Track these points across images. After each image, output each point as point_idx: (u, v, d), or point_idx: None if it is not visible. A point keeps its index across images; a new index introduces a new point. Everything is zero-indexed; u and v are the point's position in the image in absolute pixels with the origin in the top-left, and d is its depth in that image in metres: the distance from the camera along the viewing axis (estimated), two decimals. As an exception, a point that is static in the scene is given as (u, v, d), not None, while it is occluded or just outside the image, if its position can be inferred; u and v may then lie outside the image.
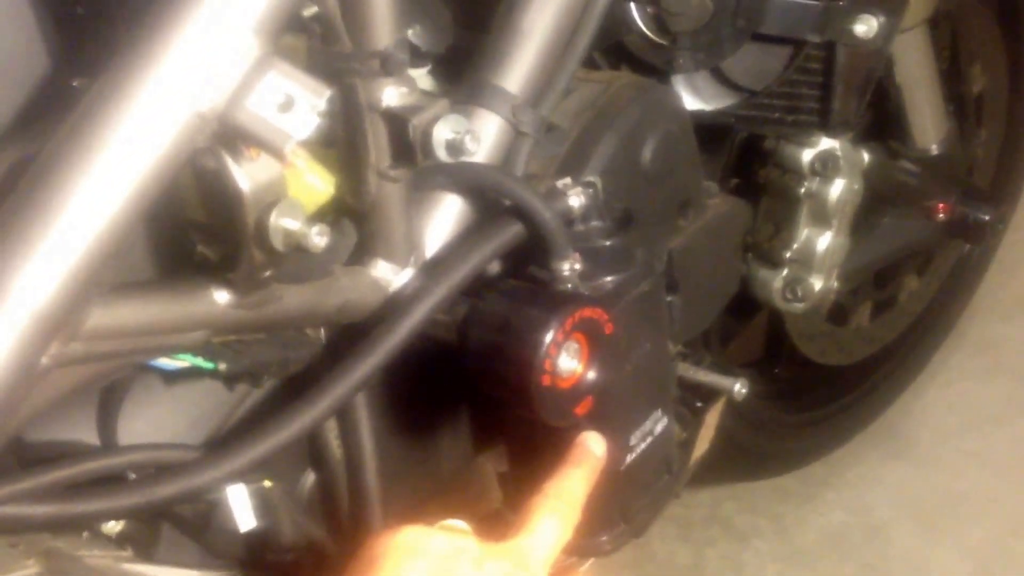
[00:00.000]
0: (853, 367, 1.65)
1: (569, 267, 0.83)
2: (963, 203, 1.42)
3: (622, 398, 0.85)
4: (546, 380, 0.76)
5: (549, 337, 0.76)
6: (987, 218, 1.43)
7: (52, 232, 0.63)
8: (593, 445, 0.81)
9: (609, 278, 0.85)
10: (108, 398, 0.78)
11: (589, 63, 1.04)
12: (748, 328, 1.52)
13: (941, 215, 1.42)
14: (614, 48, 1.13)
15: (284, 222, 0.71)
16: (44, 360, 0.65)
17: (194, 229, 0.74)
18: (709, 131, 1.15)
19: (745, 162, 1.34)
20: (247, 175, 0.69)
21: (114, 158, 0.65)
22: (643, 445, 0.88)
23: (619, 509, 0.90)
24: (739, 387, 1.09)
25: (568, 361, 0.78)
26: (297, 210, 0.72)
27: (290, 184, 0.74)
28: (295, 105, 0.67)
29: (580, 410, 0.80)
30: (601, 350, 0.80)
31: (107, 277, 0.67)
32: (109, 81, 0.66)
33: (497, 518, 0.95)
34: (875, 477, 1.69)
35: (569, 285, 0.83)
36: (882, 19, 1.08)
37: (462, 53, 0.96)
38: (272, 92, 0.66)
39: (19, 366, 0.63)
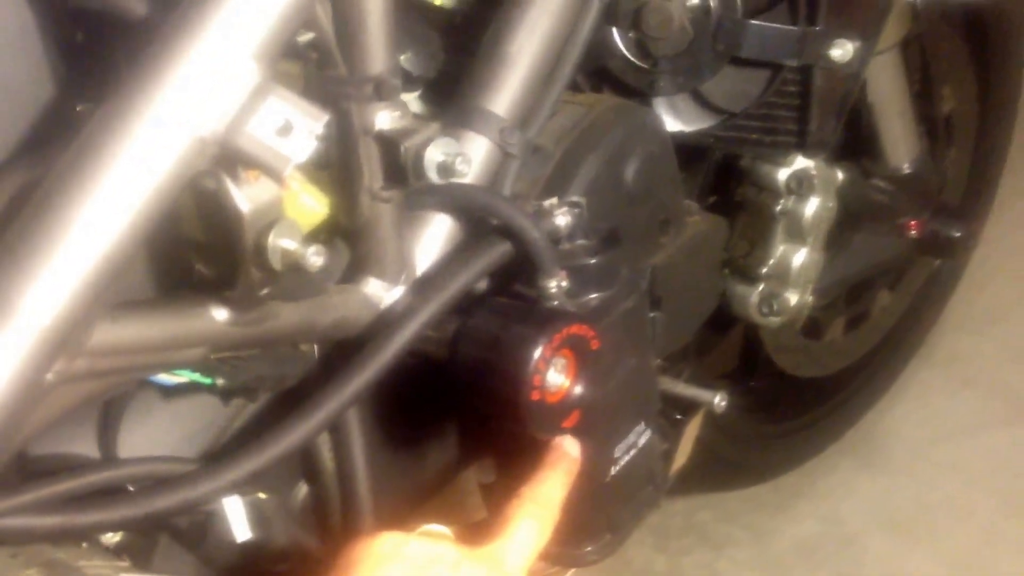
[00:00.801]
0: (827, 379, 1.68)
1: (556, 285, 0.84)
2: (934, 221, 1.46)
3: (607, 411, 0.87)
4: (535, 395, 0.78)
5: (538, 353, 0.78)
6: (957, 235, 1.46)
7: (58, 252, 0.64)
8: (569, 448, 0.82)
9: (595, 295, 0.87)
10: (109, 412, 0.80)
11: (573, 86, 1.05)
12: (724, 341, 1.54)
13: (913, 232, 1.45)
14: (597, 71, 1.15)
15: (282, 242, 0.72)
16: (49, 376, 0.66)
17: (193, 247, 0.75)
18: (688, 151, 1.17)
19: (722, 180, 1.36)
20: (246, 197, 0.71)
21: (118, 180, 0.66)
22: (627, 457, 0.90)
23: (604, 520, 0.91)
24: (719, 400, 1.12)
25: (556, 376, 0.80)
26: (294, 230, 0.73)
27: (286, 205, 0.75)
28: (293, 130, 0.68)
29: (567, 424, 0.82)
30: (588, 365, 0.82)
31: (111, 296, 0.68)
32: (113, 107, 0.67)
33: (481, 526, 0.97)
34: (849, 487, 1.72)
35: (556, 302, 0.84)
36: (857, 44, 1.10)
37: (451, 77, 0.98)
38: (271, 117, 0.68)
39: (25, 382, 0.64)
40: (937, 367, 1.89)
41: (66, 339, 0.66)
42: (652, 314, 0.99)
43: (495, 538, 0.72)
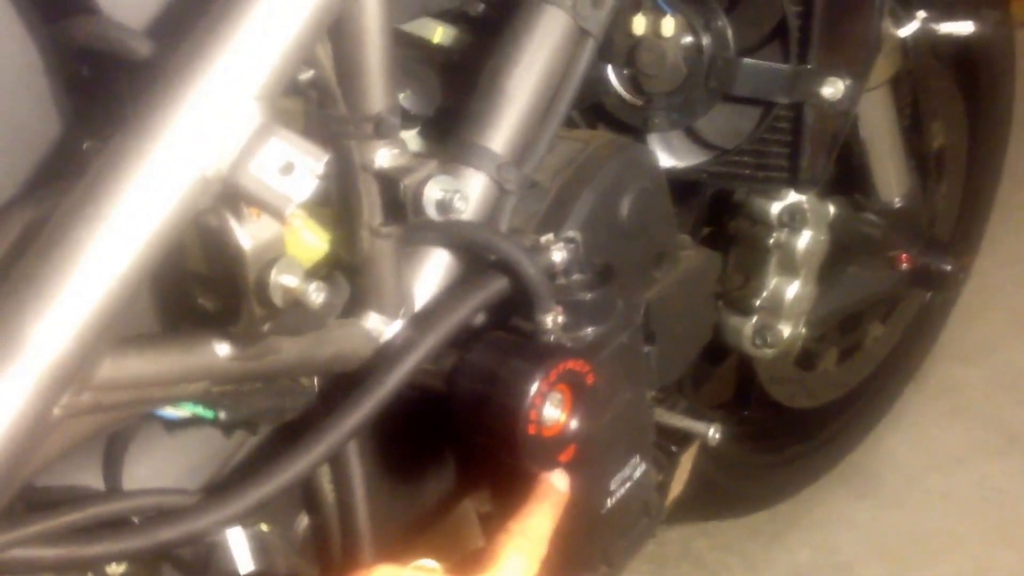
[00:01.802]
0: (820, 409, 1.69)
1: (552, 319, 0.85)
2: (925, 254, 1.47)
3: (603, 445, 0.88)
4: (531, 429, 0.79)
5: (534, 388, 0.79)
6: (948, 268, 1.47)
7: (66, 288, 0.65)
8: (556, 482, 0.83)
9: (590, 330, 0.88)
10: (113, 445, 0.81)
11: (568, 122, 1.07)
12: (719, 372, 1.56)
13: (904, 265, 1.47)
14: (592, 107, 1.17)
15: (283, 279, 0.73)
16: (56, 411, 0.67)
17: (195, 281, 0.76)
18: (682, 186, 1.19)
19: (716, 213, 1.38)
20: (248, 234, 0.72)
21: (124, 218, 0.67)
22: (623, 490, 0.91)
23: (600, 552, 0.92)
24: (713, 432, 1.13)
25: (552, 411, 0.81)
26: (296, 267, 0.74)
27: (288, 241, 0.76)
28: (295, 169, 0.68)
29: (563, 457, 0.83)
30: (583, 400, 0.83)
31: (117, 331, 0.69)
32: (119, 146, 0.68)
33: (471, 559, 0.98)
34: (842, 516, 1.73)
35: (552, 337, 0.85)
36: (848, 82, 1.12)
37: (449, 114, 1.00)
38: (273, 157, 0.68)
39: (33, 416, 0.65)
40: (929, 397, 1.90)
41: (73, 374, 0.67)
42: (646, 348, 1.00)
43: (483, 572, 0.73)
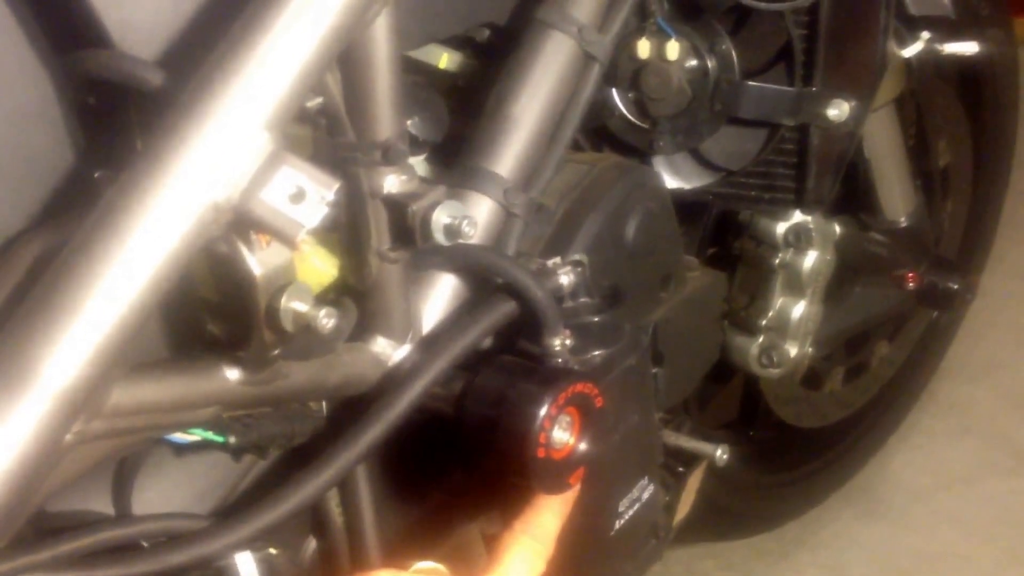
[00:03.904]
0: (827, 429, 1.69)
1: (560, 343, 0.86)
2: (931, 273, 1.47)
3: (611, 467, 0.88)
4: (540, 452, 0.80)
5: (543, 412, 0.79)
6: (955, 287, 1.48)
7: (78, 317, 0.66)
8: None
9: (598, 352, 0.89)
10: (123, 470, 0.81)
11: (574, 144, 1.07)
12: (725, 391, 1.56)
13: (910, 284, 1.47)
14: (598, 130, 1.18)
15: (293, 305, 0.74)
16: (68, 438, 0.68)
17: (206, 308, 0.77)
18: (688, 207, 1.19)
19: (722, 233, 1.38)
20: (259, 261, 0.72)
21: (136, 247, 0.67)
22: (631, 512, 0.91)
23: (608, 574, 0.93)
24: (720, 453, 1.13)
25: (561, 434, 0.81)
26: (306, 293, 0.75)
27: (297, 266, 0.77)
28: (306, 197, 0.69)
29: (573, 480, 0.83)
30: (592, 423, 0.83)
31: (128, 358, 0.70)
32: (131, 176, 0.68)
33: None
34: (849, 536, 1.73)
35: (560, 360, 0.86)
36: (853, 103, 1.13)
37: (456, 138, 1.01)
38: (284, 184, 0.69)
39: (45, 443, 0.66)
40: (936, 416, 1.90)
41: (85, 402, 0.67)
42: (654, 370, 1.01)
43: (488, 572, 0.73)
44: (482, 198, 0.95)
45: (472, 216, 0.83)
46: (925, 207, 1.51)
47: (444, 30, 1.03)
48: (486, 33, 1.08)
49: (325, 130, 0.81)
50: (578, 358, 0.87)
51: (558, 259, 0.92)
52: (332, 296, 0.86)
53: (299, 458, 0.83)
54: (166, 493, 0.84)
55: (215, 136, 0.69)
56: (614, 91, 1.16)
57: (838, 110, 1.13)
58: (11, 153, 0.77)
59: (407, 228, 0.82)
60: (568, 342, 0.87)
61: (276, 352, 0.78)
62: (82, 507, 0.81)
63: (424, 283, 0.92)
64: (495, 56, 1.04)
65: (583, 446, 0.83)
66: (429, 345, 0.88)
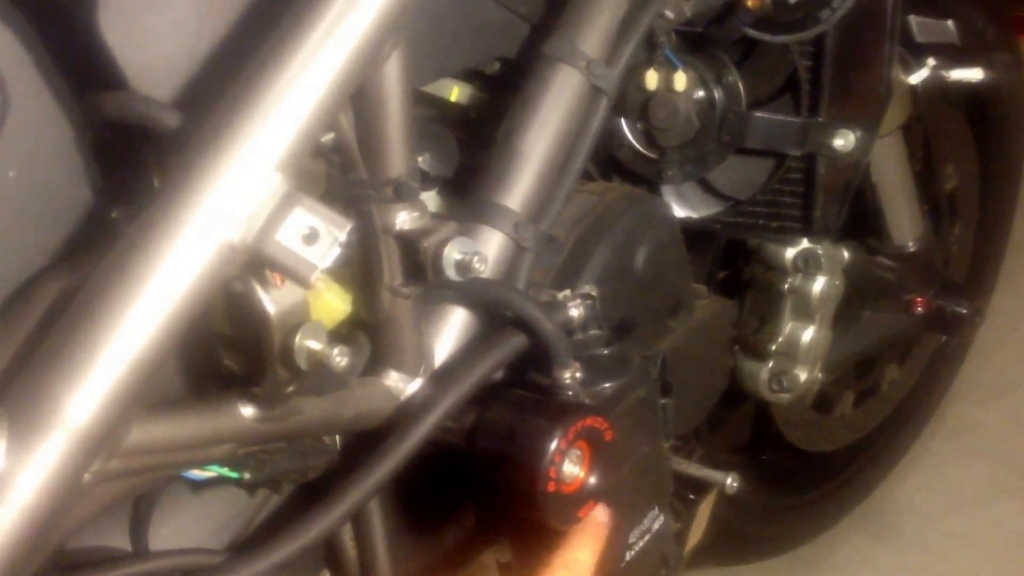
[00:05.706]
0: (838, 453, 1.69)
1: (570, 375, 0.86)
2: (940, 297, 1.48)
3: (621, 499, 0.89)
4: (551, 486, 0.80)
5: (553, 446, 0.80)
6: (963, 311, 1.48)
7: (99, 356, 0.67)
8: (598, 514, 0.84)
9: (608, 384, 0.89)
10: (140, 507, 0.82)
11: (583, 174, 1.08)
12: (736, 416, 1.56)
13: (919, 309, 1.48)
14: (606, 160, 1.19)
15: (308, 343, 0.75)
16: (87, 476, 0.69)
17: (221, 344, 0.78)
18: (696, 235, 1.20)
19: (730, 259, 1.39)
20: (273, 300, 0.73)
21: (154, 288, 0.68)
22: (642, 543, 0.91)
23: (618, 606, 0.93)
24: (731, 481, 1.13)
25: (571, 468, 0.82)
26: (320, 332, 0.75)
27: (311, 302, 0.77)
28: (319, 237, 0.70)
29: (583, 513, 0.84)
30: (602, 456, 0.84)
31: (145, 397, 0.71)
32: (148, 216, 0.70)
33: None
34: (862, 559, 1.72)
35: (570, 392, 0.86)
36: (859, 133, 1.14)
37: (467, 169, 1.02)
38: (297, 225, 0.70)
39: (65, 482, 0.66)
40: (946, 439, 1.90)
41: (103, 442, 0.68)
42: (663, 400, 1.01)
43: None
44: (493, 232, 0.96)
45: (483, 252, 0.84)
46: (933, 231, 1.51)
47: (456, 65, 1.04)
48: (496, 66, 1.09)
49: (338, 167, 0.82)
50: (588, 391, 0.88)
51: (568, 292, 0.93)
52: (345, 330, 0.87)
53: (313, 492, 0.84)
54: (182, 529, 0.85)
55: (230, 177, 0.70)
56: (623, 121, 1.17)
57: (844, 140, 1.14)
58: (31, 192, 0.78)
59: (419, 264, 0.84)
60: (578, 375, 0.87)
61: (290, 389, 0.78)
62: (100, 544, 0.82)
63: (435, 317, 0.93)
64: (506, 89, 1.05)
65: (593, 479, 0.84)
66: (441, 379, 0.89)
